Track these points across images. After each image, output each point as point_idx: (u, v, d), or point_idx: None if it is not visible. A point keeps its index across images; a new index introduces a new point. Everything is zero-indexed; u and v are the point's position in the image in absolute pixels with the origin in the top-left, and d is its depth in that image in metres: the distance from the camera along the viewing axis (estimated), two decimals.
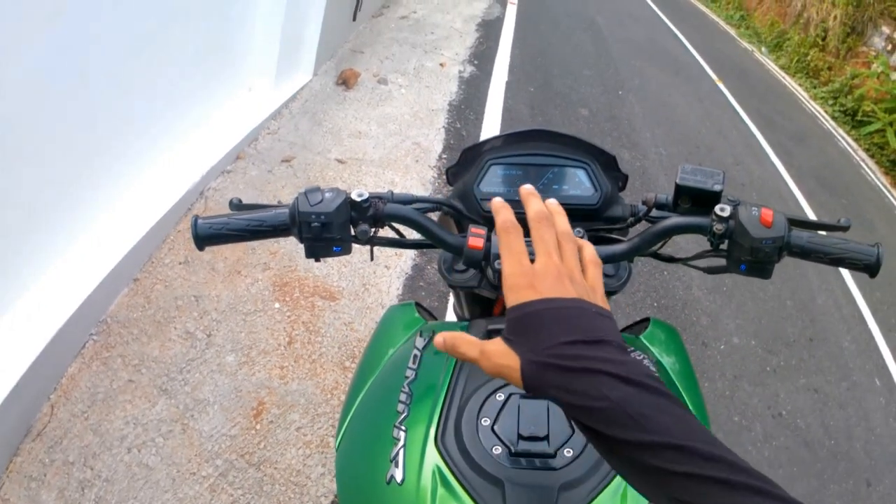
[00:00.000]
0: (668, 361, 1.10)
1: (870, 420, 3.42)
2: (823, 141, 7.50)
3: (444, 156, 3.77)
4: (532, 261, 0.63)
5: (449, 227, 1.08)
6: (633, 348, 0.88)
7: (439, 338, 0.63)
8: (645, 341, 1.14)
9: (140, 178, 2.65)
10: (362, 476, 0.89)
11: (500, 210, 0.68)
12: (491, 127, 4.20)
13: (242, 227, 0.87)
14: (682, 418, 0.55)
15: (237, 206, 0.92)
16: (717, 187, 0.94)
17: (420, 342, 1.01)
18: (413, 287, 2.91)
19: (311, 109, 3.71)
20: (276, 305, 2.57)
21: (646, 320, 1.23)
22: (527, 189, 0.71)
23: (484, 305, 1.21)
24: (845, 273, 4.49)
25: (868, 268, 0.91)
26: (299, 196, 0.86)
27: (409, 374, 0.95)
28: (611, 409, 0.54)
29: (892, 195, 6.59)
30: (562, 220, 0.69)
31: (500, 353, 0.60)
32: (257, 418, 2.19)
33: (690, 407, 0.96)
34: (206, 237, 0.86)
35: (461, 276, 1.07)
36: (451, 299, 1.34)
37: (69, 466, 1.93)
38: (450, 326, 1.11)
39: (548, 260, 0.63)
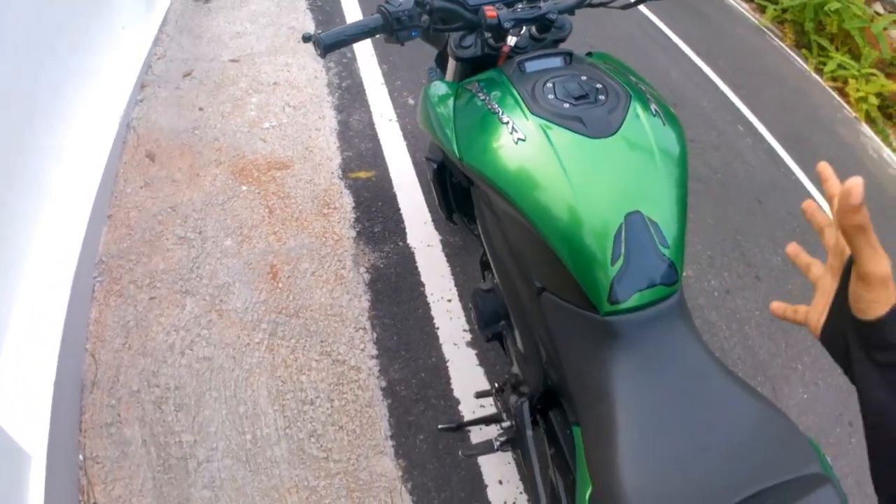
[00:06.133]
0: (623, 72, 1.35)
1: (743, 156, 3.73)
2: None
3: (320, 31, 3.63)
4: None
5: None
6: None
7: (860, 191, 0.56)
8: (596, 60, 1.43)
9: (72, 128, 2.51)
10: (498, 150, 1.17)
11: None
12: None
13: (353, 32, 1.22)
14: None
15: (309, 37, 1.26)
16: None
17: (473, 87, 1.32)
18: (346, 136, 2.95)
19: (185, 27, 3.50)
20: (244, 188, 2.56)
21: (588, 54, 1.48)
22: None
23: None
24: (689, 51, 4.71)
25: None
26: (383, 6, 1.21)
27: (482, 97, 1.26)
28: None
29: None
30: None
31: (890, 269, 0.58)
32: (276, 279, 2.27)
33: (652, 88, 1.33)
34: (331, 45, 1.23)
35: (469, 50, 1.47)
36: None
37: (136, 395, 1.92)
38: (485, 75, 1.36)
39: None
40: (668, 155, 1.13)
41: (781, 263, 3.00)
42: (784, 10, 5.55)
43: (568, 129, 1.11)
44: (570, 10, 1.42)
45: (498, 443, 1.58)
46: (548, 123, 1.12)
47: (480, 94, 1.28)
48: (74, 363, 1.96)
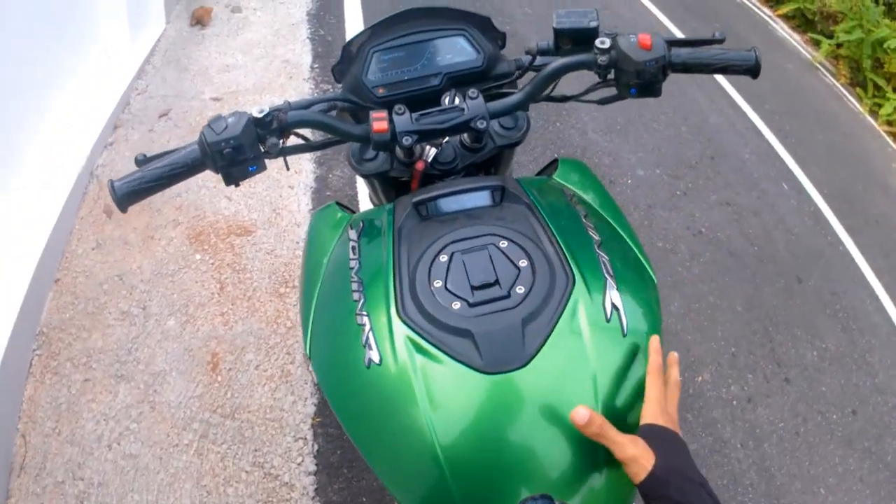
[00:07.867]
0: (586, 194, 1.04)
1: (786, 222, 3.31)
2: None
3: (316, 66, 3.36)
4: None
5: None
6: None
7: (586, 415, 0.68)
8: (559, 180, 1.07)
9: (25, 177, 2.35)
10: (342, 369, 0.82)
11: (654, 352, 0.78)
12: (354, 25, 3.71)
13: (158, 175, 0.82)
14: None
15: (143, 160, 0.85)
16: (593, 24, 0.94)
17: (353, 234, 0.95)
18: (321, 198, 2.66)
19: (173, 58, 3.25)
20: (198, 257, 2.35)
21: (554, 162, 1.15)
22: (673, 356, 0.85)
23: (399, 187, 1.13)
24: (733, 91, 4.24)
25: (750, 70, 0.91)
26: (204, 129, 0.81)
27: (353, 264, 0.89)
28: None
29: (761, 10, 5.93)
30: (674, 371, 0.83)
31: (639, 446, 0.68)
32: (216, 370, 2.05)
33: (622, 232, 0.96)
34: (126, 196, 0.82)
35: (372, 164, 1.06)
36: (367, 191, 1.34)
37: (61, 486, 1.79)
38: (375, 213, 1.01)
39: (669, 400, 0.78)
40: (615, 397, 0.74)
41: (817, 360, 2.63)
42: (839, 45, 5.10)
43: (447, 353, 0.73)
44: (518, 109, 0.93)
45: None
46: (418, 340, 0.74)
47: (353, 254, 0.90)
48: (5, 442, 1.86)
